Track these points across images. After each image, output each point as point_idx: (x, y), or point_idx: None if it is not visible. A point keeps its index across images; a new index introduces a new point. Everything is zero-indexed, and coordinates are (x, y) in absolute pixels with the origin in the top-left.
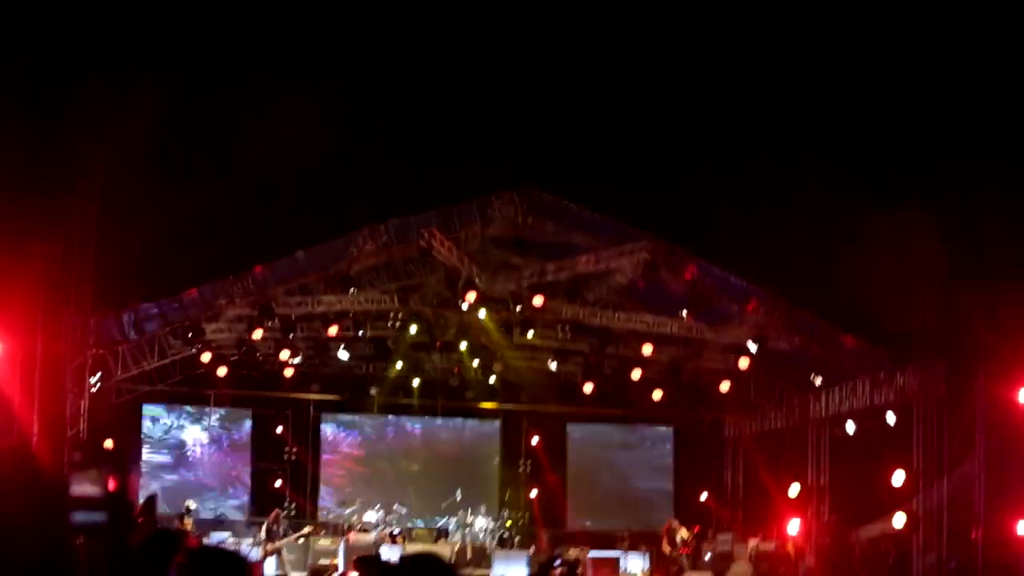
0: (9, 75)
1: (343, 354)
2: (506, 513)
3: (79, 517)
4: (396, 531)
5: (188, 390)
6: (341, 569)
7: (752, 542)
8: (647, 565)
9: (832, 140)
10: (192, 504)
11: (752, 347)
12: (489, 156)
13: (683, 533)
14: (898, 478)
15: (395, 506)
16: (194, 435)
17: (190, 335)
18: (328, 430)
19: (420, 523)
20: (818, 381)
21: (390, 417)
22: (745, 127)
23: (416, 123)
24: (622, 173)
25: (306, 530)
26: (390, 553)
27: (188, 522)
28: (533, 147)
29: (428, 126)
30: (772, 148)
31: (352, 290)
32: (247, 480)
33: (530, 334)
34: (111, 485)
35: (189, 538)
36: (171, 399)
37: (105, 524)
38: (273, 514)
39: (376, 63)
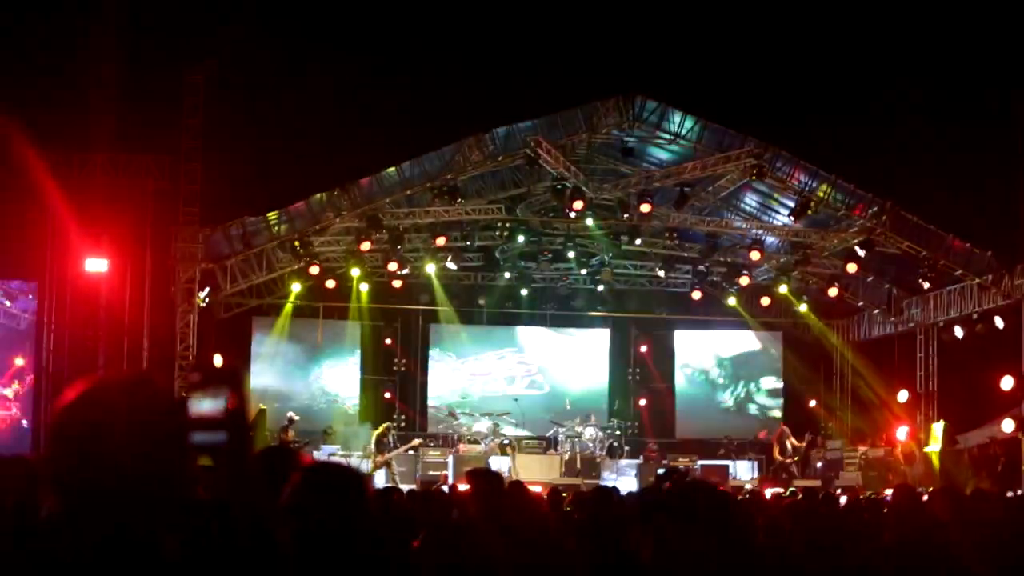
0: None
1: (451, 265)
2: (615, 423)
3: (199, 437)
4: (505, 442)
5: (297, 303)
6: (451, 480)
7: (861, 449)
8: (756, 473)
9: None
10: (295, 416)
11: (859, 251)
12: (595, 63)
13: (794, 441)
14: (1007, 383)
15: (504, 417)
16: (303, 348)
17: (298, 248)
18: (436, 341)
19: (529, 434)
20: (926, 285)
21: (499, 327)
22: (850, 33)
23: (521, 30)
24: (728, 79)
25: (415, 442)
26: (500, 464)
27: (291, 433)
28: (639, 53)
29: (533, 33)
30: (878, 57)
31: (459, 200)
32: (356, 392)
33: (637, 242)
34: (230, 404)
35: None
36: (280, 312)
37: (225, 444)
38: (383, 426)
39: None
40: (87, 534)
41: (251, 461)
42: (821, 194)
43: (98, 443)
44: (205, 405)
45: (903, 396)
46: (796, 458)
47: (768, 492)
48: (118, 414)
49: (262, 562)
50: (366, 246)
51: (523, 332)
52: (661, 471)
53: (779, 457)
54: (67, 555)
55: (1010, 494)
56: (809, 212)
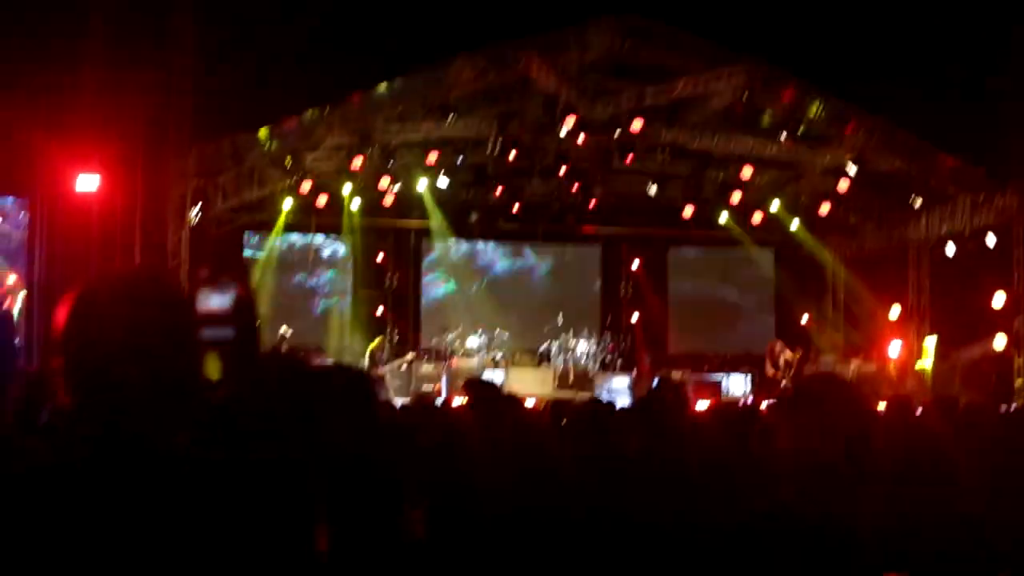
0: None
1: (442, 181)
2: (608, 336)
3: (208, 333)
4: (499, 355)
5: (289, 220)
6: (445, 394)
7: (854, 363)
8: (749, 387)
9: None
10: (288, 330)
11: (851, 169)
12: None
13: (787, 355)
14: (998, 299)
15: (497, 331)
16: (295, 263)
17: (290, 164)
18: (429, 256)
19: (522, 347)
20: (918, 203)
21: (491, 242)
22: None
23: None
24: None
25: (408, 356)
26: (493, 377)
27: (284, 348)
28: None
29: None
30: None
31: (451, 117)
32: (348, 307)
33: (629, 158)
34: (237, 300)
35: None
36: (271, 228)
37: (233, 339)
38: (376, 341)
39: None
40: (96, 429)
41: (259, 356)
42: (812, 112)
43: (108, 336)
44: (213, 300)
45: (895, 312)
46: (790, 371)
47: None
48: (128, 307)
49: (271, 459)
50: (358, 162)
51: (514, 247)
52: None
53: (771, 371)
54: (73, 451)
55: (1003, 408)
56: (801, 130)
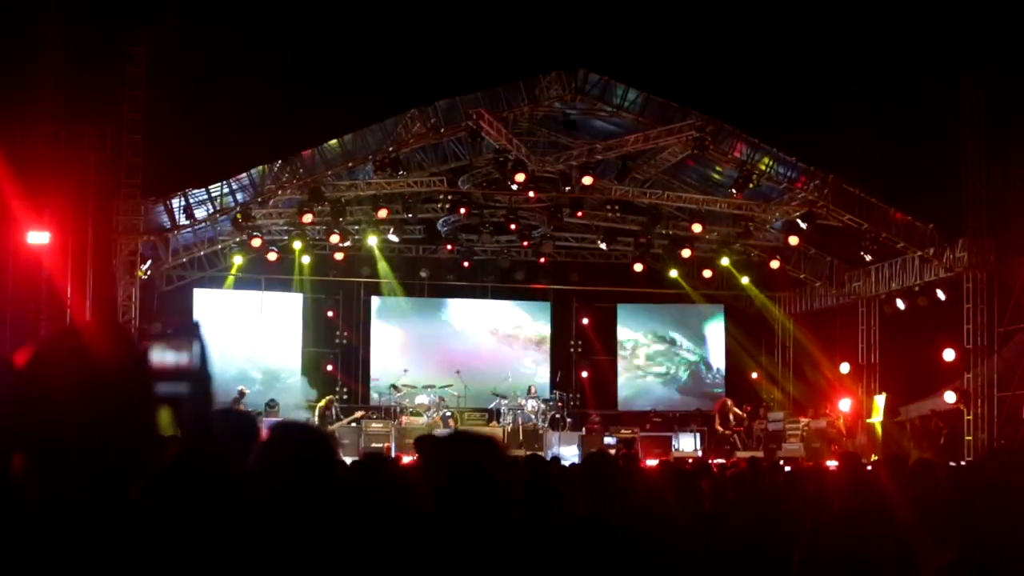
0: None
1: (393, 237)
2: (557, 395)
3: (162, 388)
4: (448, 414)
5: (238, 275)
6: (394, 452)
7: (803, 420)
8: (699, 444)
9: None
10: (246, 389)
11: (801, 224)
12: (537, 35)
13: (736, 411)
14: (948, 355)
15: (446, 389)
16: (245, 319)
17: (240, 220)
18: (378, 314)
19: (471, 406)
20: (868, 258)
21: (440, 299)
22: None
23: (464, 3)
24: (670, 53)
25: (358, 414)
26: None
27: (241, 407)
28: (580, 27)
29: (475, 5)
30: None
31: (401, 172)
32: (298, 365)
33: (579, 214)
34: (191, 356)
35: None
36: (222, 284)
37: (186, 395)
38: (325, 399)
39: None
40: (54, 484)
41: (213, 413)
42: (763, 167)
43: (62, 392)
44: (168, 356)
45: (845, 368)
46: (739, 429)
47: (711, 463)
48: (82, 363)
49: (226, 509)
50: (308, 218)
51: (464, 304)
52: (612, 440)
53: (720, 428)
54: (34, 507)
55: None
56: (751, 185)
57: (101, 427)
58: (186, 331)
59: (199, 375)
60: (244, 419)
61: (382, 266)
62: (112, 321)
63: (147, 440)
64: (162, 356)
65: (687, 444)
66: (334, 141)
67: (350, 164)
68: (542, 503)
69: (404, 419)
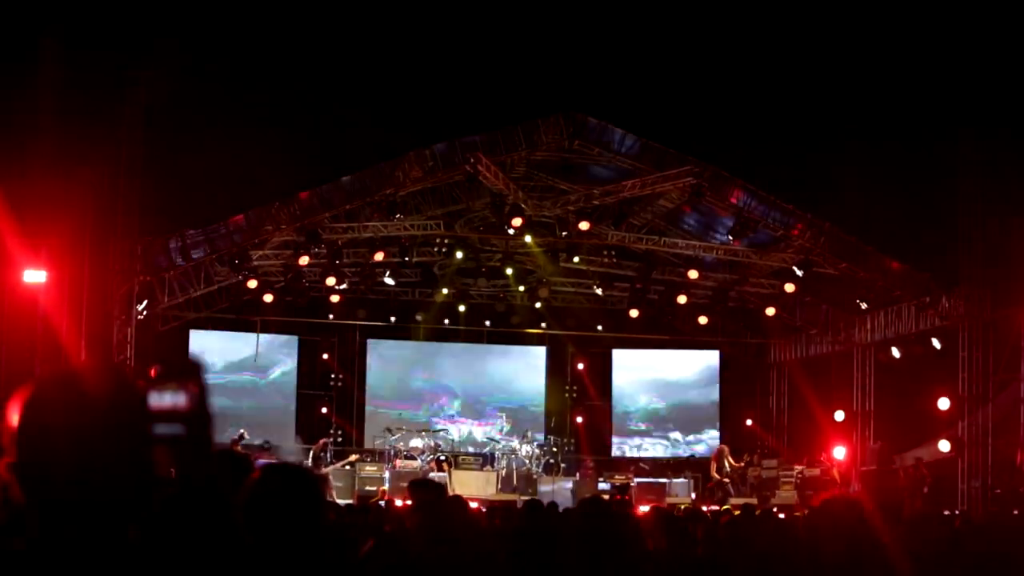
0: (51, 3)
1: (389, 280)
2: (552, 440)
3: (159, 429)
4: (442, 458)
5: (234, 317)
6: (388, 496)
7: (797, 467)
8: (692, 490)
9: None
10: (245, 432)
11: (798, 272)
12: (536, 80)
13: (731, 460)
14: (943, 403)
15: (441, 433)
16: (240, 362)
17: (236, 261)
18: (373, 357)
19: (466, 450)
20: (863, 306)
21: (436, 343)
22: (792, 56)
23: (462, 47)
24: (668, 99)
25: (352, 457)
26: (437, 479)
27: (239, 448)
28: (580, 72)
29: (475, 50)
30: (819, 80)
31: (398, 215)
32: (293, 407)
33: (576, 259)
34: (191, 397)
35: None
36: (217, 326)
37: (184, 436)
38: (320, 442)
39: None
40: (54, 525)
41: (211, 455)
42: (759, 214)
43: (61, 433)
44: (166, 398)
45: (840, 415)
46: (734, 477)
47: (704, 510)
48: (80, 403)
49: (223, 550)
50: (304, 260)
51: (460, 349)
52: (606, 485)
53: (716, 475)
54: (33, 548)
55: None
56: (748, 232)
57: (98, 468)
58: (184, 372)
59: (197, 416)
60: (240, 460)
61: (377, 309)
62: (109, 361)
63: (144, 481)
64: (160, 397)
65: (681, 490)
66: (331, 183)
67: (347, 206)
68: (540, 548)
69: (398, 462)
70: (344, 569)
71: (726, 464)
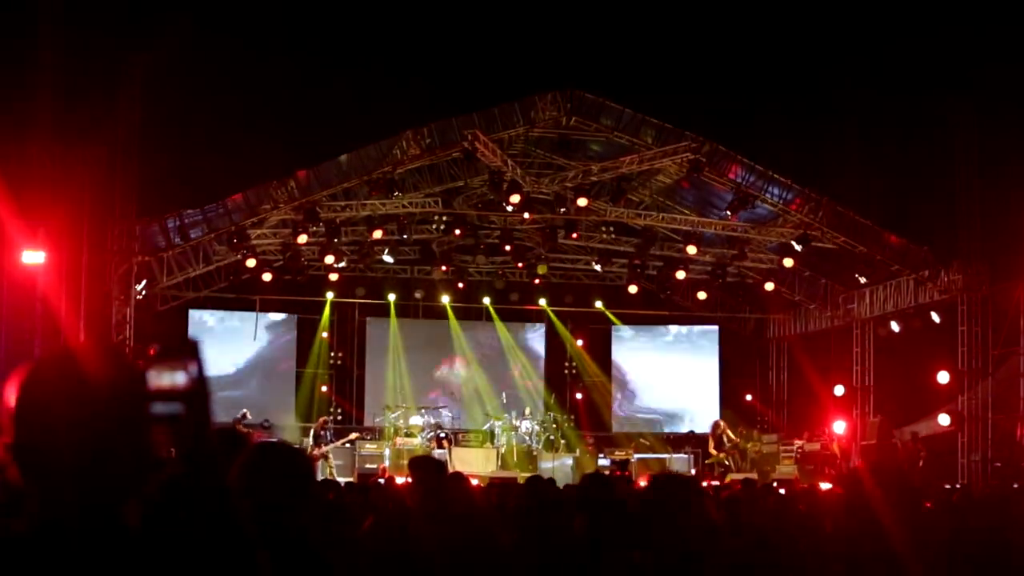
0: None
1: (387, 258)
2: (551, 416)
3: (159, 408)
4: (442, 435)
5: (233, 296)
6: (388, 474)
7: (797, 442)
8: (692, 466)
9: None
10: (247, 412)
11: (796, 246)
12: (532, 57)
13: (730, 435)
14: (943, 377)
15: (440, 410)
16: (239, 341)
17: (235, 241)
18: (372, 335)
19: (466, 426)
20: (862, 280)
21: (435, 320)
22: (788, 30)
23: (459, 24)
24: (665, 74)
25: (352, 436)
26: (437, 456)
27: (242, 428)
28: (577, 47)
29: (471, 27)
30: (816, 54)
31: (396, 193)
32: (292, 386)
33: (574, 235)
34: (190, 376)
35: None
36: (216, 305)
37: (183, 415)
38: (320, 420)
39: None
40: (53, 506)
41: (210, 434)
42: (757, 189)
43: (58, 413)
44: (164, 378)
45: (839, 390)
46: (733, 452)
47: (704, 485)
48: (78, 383)
49: (222, 531)
50: (303, 239)
51: (459, 325)
52: (606, 461)
53: (715, 451)
54: (33, 530)
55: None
56: (746, 207)
57: (96, 448)
58: (184, 350)
59: (197, 395)
60: (239, 439)
61: (376, 287)
62: (107, 341)
63: (144, 461)
64: (159, 376)
65: (681, 466)
66: (329, 161)
67: (345, 185)
68: (543, 523)
69: (398, 440)
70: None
71: (725, 439)
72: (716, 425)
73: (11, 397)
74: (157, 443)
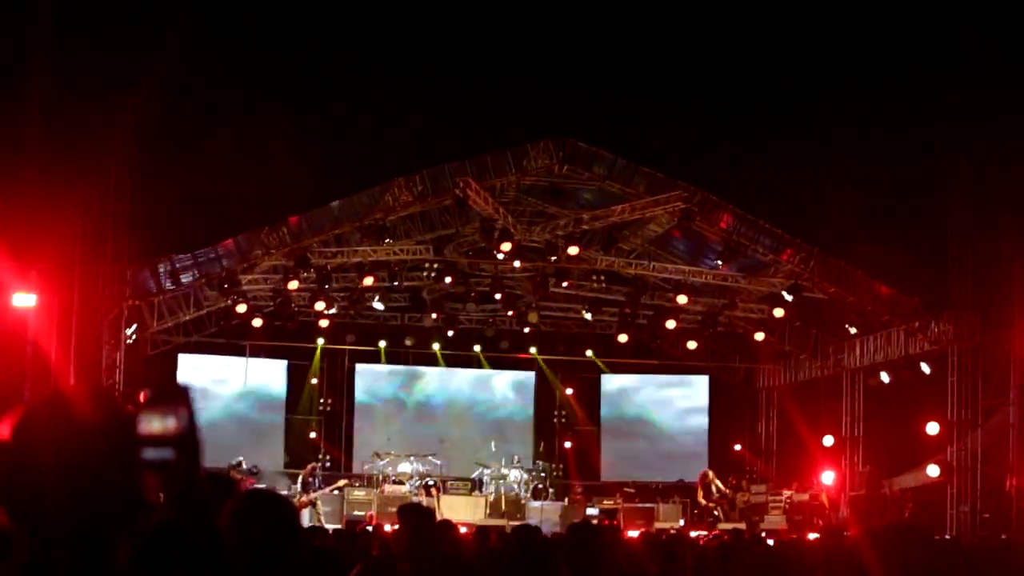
0: (39, 28)
1: (378, 305)
2: (540, 464)
3: (149, 453)
4: (431, 483)
5: (223, 341)
6: (376, 521)
7: (786, 492)
8: (681, 515)
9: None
10: (243, 459)
11: (787, 296)
12: (525, 105)
13: (719, 484)
14: (932, 428)
15: (429, 458)
16: (229, 386)
17: (225, 286)
18: (362, 381)
19: (454, 475)
20: (853, 331)
21: (425, 368)
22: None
23: (450, 72)
24: (657, 124)
25: (341, 482)
26: (426, 504)
27: (235, 475)
28: (569, 96)
29: (463, 75)
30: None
31: (387, 240)
32: (281, 432)
33: (565, 284)
34: (180, 422)
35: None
36: (206, 350)
37: (174, 461)
38: (308, 466)
39: (410, 13)
40: (40, 549)
41: (200, 479)
42: (748, 239)
43: (49, 457)
44: (155, 423)
45: (829, 440)
46: (722, 501)
47: (693, 535)
48: (69, 428)
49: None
50: (293, 285)
51: (448, 373)
52: (594, 510)
53: (703, 500)
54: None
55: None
56: (737, 257)
57: (87, 493)
58: (174, 396)
59: (187, 440)
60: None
61: (366, 334)
62: (98, 386)
63: (133, 506)
64: (150, 421)
65: (670, 515)
66: (321, 207)
67: (337, 231)
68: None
69: (387, 487)
70: None
71: (714, 489)
72: (704, 475)
73: (2, 439)
74: (147, 488)
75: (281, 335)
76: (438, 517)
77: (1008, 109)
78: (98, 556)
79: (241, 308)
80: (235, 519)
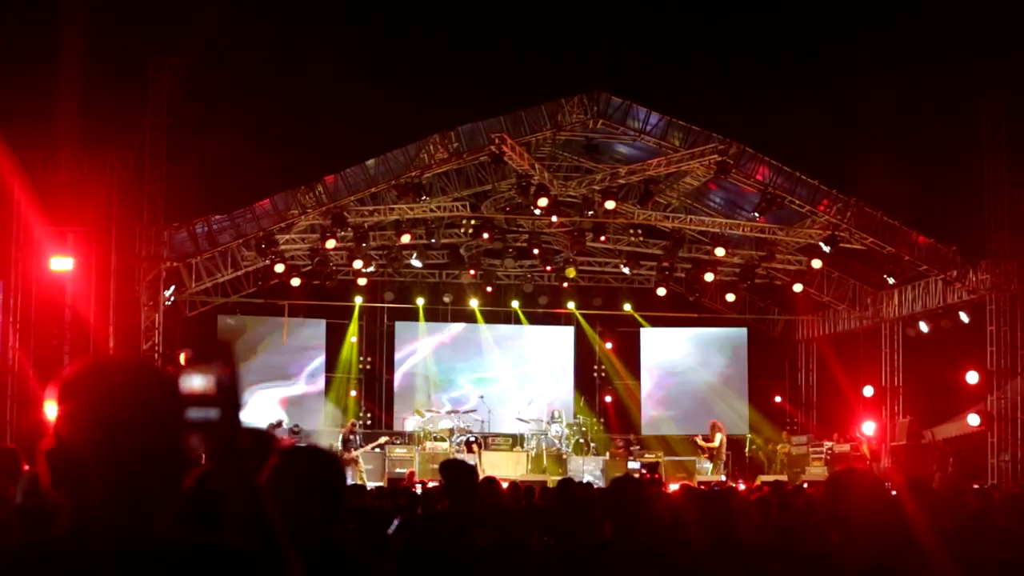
0: None
1: (415, 262)
2: (581, 419)
3: (192, 414)
4: (471, 439)
5: (262, 301)
6: (418, 477)
7: (827, 444)
8: (723, 470)
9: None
10: (284, 420)
11: (824, 247)
12: (559, 60)
13: (721, 437)
14: (972, 377)
15: (470, 414)
16: (268, 346)
17: (263, 246)
18: (402, 339)
19: (495, 430)
20: (891, 281)
21: (463, 324)
22: (816, 30)
23: (486, 28)
24: (693, 75)
25: (382, 440)
26: (467, 460)
27: (276, 434)
28: (603, 50)
29: (498, 31)
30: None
31: (424, 197)
32: (322, 390)
33: (602, 238)
34: (221, 380)
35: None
36: (245, 310)
37: (217, 420)
38: (349, 424)
39: None
40: (83, 517)
41: (241, 436)
42: (785, 190)
43: (98, 420)
44: (196, 382)
45: (869, 391)
46: (719, 451)
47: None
48: (118, 391)
49: (251, 532)
50: (331, 244)
51: (488, 329)
52: (636, 464)
53: (702, 442)
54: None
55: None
56: (774, 208)
57: (132, 458)
58: (217, 354)
59: (228, 399)
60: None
61: (404, 291)
62: (140, 352)
63: (179, 468)
64: (192, 381)
65: (711, 468)
66: (357, 166)
67: (373, 189)
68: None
69: (428, 444)
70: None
71: (718, 440)
72: (714, 424)
73: (54, 404)
74: (190, 448)
75: (319, 294)
76: (480, 473)
77: None
78: (141, 519)
79: (279, 268)
80: (278, 475)
